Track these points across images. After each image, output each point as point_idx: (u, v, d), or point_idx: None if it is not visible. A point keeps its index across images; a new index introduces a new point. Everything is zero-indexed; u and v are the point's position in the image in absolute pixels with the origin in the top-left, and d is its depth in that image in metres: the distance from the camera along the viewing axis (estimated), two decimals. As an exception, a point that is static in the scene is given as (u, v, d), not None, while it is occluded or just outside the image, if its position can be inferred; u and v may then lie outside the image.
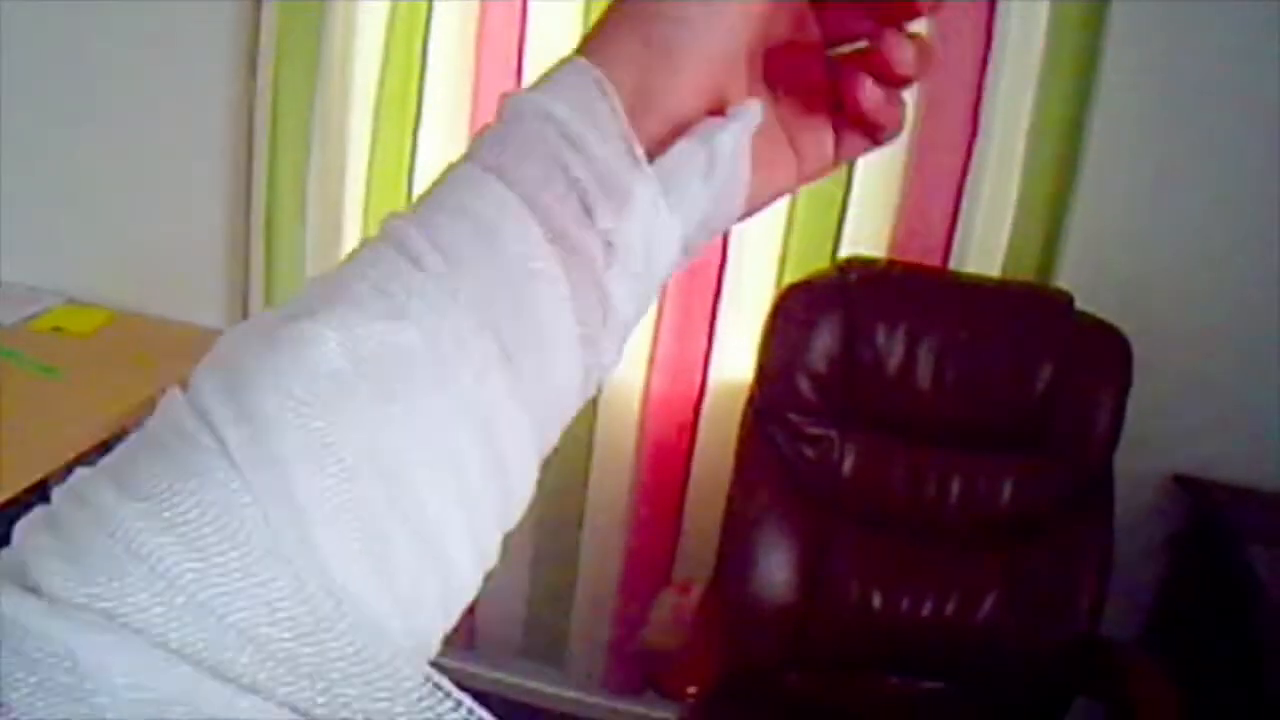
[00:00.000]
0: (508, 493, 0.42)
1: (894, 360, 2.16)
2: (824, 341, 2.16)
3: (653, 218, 0.44)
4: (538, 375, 0.42)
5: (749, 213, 0.49)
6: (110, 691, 0.32)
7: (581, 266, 0.43)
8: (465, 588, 0.41)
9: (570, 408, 0.45)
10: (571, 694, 2.74)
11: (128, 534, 0.35)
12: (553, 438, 0.45)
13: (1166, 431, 2.35)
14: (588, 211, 0.43)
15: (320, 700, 0.35)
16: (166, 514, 0.35)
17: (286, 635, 0.35)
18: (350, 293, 0.40)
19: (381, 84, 2.38)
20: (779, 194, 0.50)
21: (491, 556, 0.43)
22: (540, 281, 0.42)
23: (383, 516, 0.38)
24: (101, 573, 0.34)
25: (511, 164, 0.43)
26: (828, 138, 0.50)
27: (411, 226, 0.42)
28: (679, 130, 0.44)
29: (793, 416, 2.19)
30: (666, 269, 0.46)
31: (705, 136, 0.44)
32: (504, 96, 0.45)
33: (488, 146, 0.44)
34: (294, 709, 0.35)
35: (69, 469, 2.06)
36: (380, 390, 0.38)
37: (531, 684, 2.77)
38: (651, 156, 0.44)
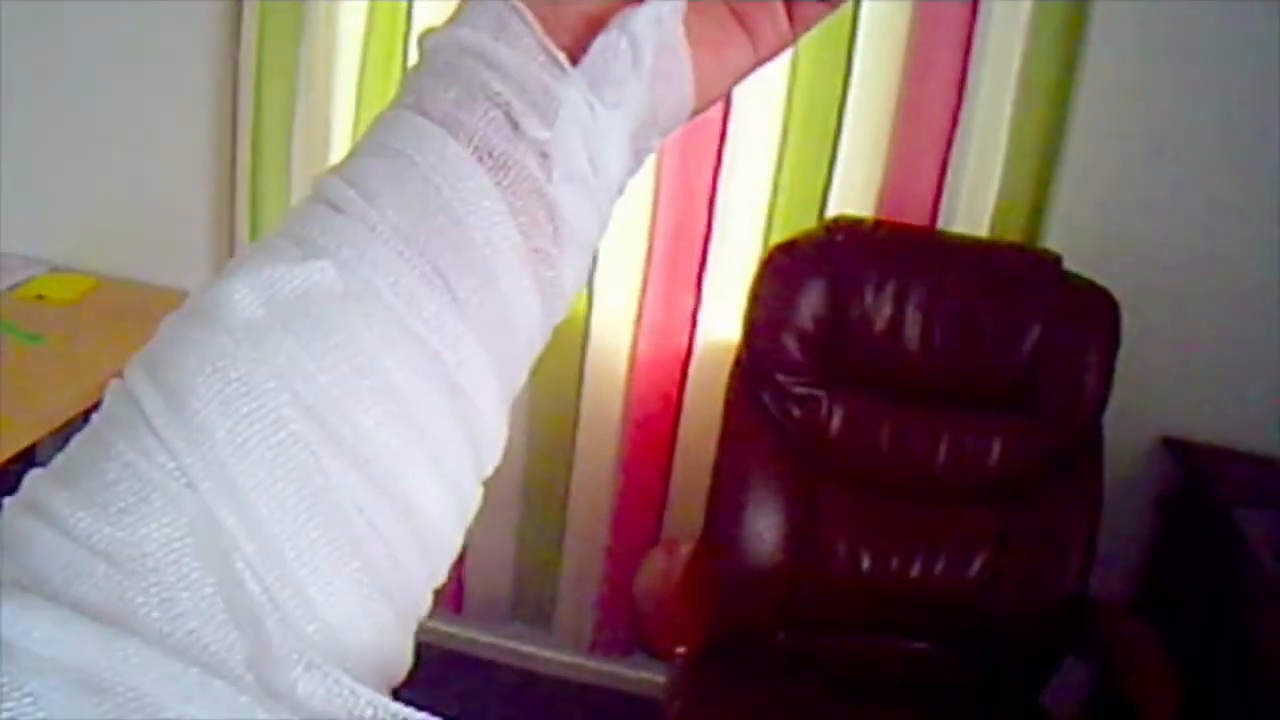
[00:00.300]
0: (468, 416, 0.41)
1: (881, 320, 2.16)
2: (811, 301, 2.16)
3: (588, 119, 0.43)
4: (479, 292, 0.41)
5: (707, 101, 0.49)
6: (31, 657, 0.31)
7: (519, 180, 0.42)
8: (439, 525, 0.41)
9: (534, 329, 0.45)
10: (560, 656, 2.75)
11: (46, 506, 0.35)
12: (520, 363, 0.45)
13: (1155, 394, 2.35)
14: (514, 125, 0.42)
15: (239, 656, 0.35)
16: (85, 485, 0.35)
17: (208, 588, 0.35)
18: (266, 246, 0.41)
19: (366, 44, 2.35)
20: (738, 77, 0.49)
21: (463, 484, 0.42)
22: (464, 196, 0.41)
23: (320, 451, 0.37)
24: (20, 547, 0.34)
25: (428, 94, 0.43)
26: (779, 11, 0.49)
27: (332, 176, 0.42)
28: (599, 27, 0.44)
29: (780, 377, 2.19)
30: (620, 171, 0.45)
31: (621, 24, 0.43)
32: (420, 37, 0.45)
33: (407, 87, 0.44)
34: (217, 670, 0.34)
35: (54, 435, 2.05)
36: (303, 330, 0.38)
37: (520, 646, 2.77)
38: (577, 60, 0.43)
